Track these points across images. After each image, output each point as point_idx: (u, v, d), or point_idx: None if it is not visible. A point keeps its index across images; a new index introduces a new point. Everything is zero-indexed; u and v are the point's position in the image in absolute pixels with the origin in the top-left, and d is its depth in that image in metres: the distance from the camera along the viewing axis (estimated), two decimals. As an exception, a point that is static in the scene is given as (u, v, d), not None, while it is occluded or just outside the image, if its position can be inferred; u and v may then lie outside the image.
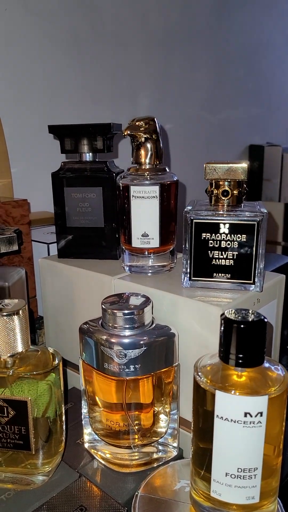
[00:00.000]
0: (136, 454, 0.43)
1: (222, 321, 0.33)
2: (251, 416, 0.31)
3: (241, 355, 0.32)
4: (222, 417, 0.32)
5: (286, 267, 0.68)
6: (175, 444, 0.45)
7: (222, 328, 0.33)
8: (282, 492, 0.42)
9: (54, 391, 0.40)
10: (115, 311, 0.40)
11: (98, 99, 0.93)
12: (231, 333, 0.32)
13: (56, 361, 0.40)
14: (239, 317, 0.32)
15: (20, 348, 0.39)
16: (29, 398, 0.39)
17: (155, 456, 0.44)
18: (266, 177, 1.41)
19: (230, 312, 0.33)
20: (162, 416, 0.44)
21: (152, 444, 0.44)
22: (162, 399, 0.43)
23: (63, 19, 0.84)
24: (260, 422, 0.32)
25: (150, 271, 0.50)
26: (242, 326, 0.32)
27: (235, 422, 0.32)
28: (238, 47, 1.33)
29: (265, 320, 0.33)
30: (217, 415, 0.32)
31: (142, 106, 1.03)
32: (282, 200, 1.38)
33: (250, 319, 0.32)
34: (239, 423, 0.32)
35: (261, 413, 0.31)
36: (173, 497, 0.39)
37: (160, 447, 0.44)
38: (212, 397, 0.32)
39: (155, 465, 0.43)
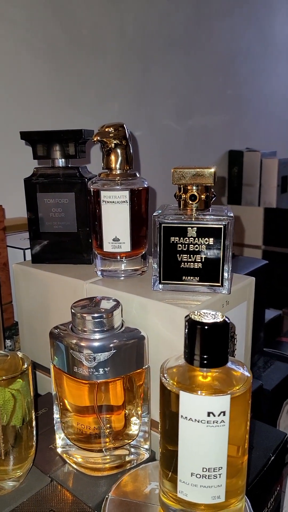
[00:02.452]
0: (108, 457, 0.43)
1: (186, 323, 0.34)
2: (214, 415, 0.32)
3: (205, 356, 0.33)
4: (186, 417, 0.33)
5: (260, 270, 0.69)
6: (147, 446, 0.45)
7: (186, 330, 0.34)
8: (253, 491, 0.42)
9: (19, 398, 0.40)
10: (84, 315, 0.40)
11: (73, 106, 0.93)
12: (195, 335, 0.33)
13: (25, 366, 0.40)
14: (203, 319, 0.33)
15: (-12, 353, 0.39)
16: (-2, 403, 0.39)
17: (127, 458, 0.44)
18: (245, 182, 1.43)
19: (194, 314, 0.34)
20: (134, 419, 0.44)
21: (124, 447, 0.44)
22: (134, 401, 0.44)
23: (39, 26, 0.84)
24: (224, 422, 0.32)
25: (122, 275, 0.51)
26: (205, 327, 0.33)
27: (198, 422, 0.32)
28: (217, 55, 1.35)
29: (228, 321, 0.33)
30: (181, 415, 0.33)
31: (120, 113, 1.04)
32: (261, 205, 1.41)
33: (213, 321, 0.33)
34: (203, 423, 0.32)
35: (224, 413, 0.32)
36: (144, 499, 0.39)
37: (132, 450, 0.44)
38: (177, 398, 0.33)
39: (127, 467, 0.44)
